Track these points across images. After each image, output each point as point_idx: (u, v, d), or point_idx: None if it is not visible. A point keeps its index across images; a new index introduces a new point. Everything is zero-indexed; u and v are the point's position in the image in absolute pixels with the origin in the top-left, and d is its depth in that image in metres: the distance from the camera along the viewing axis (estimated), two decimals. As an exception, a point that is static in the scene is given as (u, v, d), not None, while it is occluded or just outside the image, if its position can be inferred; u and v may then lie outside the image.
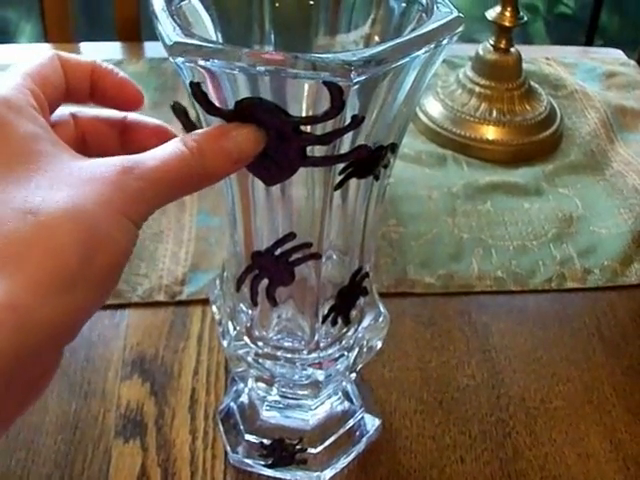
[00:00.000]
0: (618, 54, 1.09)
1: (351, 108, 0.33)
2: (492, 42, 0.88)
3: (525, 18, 0.86)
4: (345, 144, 0.35)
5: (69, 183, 0.29)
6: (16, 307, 0.27)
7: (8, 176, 0.29)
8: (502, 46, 0.87)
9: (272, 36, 0.41)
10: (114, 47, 1.07)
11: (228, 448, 0.54)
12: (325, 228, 0.39)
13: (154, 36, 0.33)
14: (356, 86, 0.31)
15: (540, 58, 1.05)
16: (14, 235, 0.28)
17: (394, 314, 0.63)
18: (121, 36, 1.11)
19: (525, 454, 0.55)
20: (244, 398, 0.54)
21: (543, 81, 0.98)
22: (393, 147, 0.38)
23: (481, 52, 0.88)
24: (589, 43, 1.88)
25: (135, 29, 1.11)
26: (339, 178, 0.36)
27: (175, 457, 0.54)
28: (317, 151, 0.34)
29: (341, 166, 0.35)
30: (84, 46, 1.06)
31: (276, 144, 0.32)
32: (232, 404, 0.55)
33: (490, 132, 0.85)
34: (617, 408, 0.59)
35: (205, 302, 0.65)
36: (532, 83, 0.92)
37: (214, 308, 0.48)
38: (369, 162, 0.36)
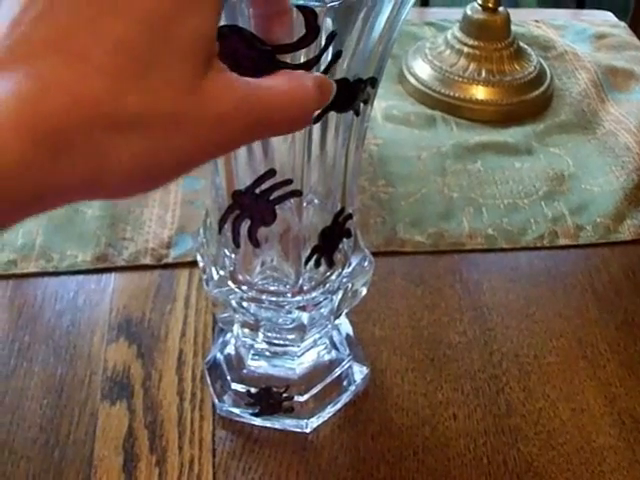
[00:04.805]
0: (608, 16, 1.08)
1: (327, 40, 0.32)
2: (480, 2, 0.86)
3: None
4: None
5: None
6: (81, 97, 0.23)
7: None
8: (490, 5, 0.86)
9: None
10: None
11: (215, 398, 0.53)
12: (305, 167, 0.38)
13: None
14: (330, 11, 0.30)
15: (529, 21, 1.04)
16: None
17: (384, 273, 0.63)
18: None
19: (519, 410, 0.55)
20: (230, 349, 0.54)
21: (533, 43, 0.96)
22: (373, 81, 0.37)
23: (469, 12, 0.87)
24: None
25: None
26: (317, 111, 0.35)
27: (162, 418, 0.53)
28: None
29: None
30: None
31: (253, 74, 0.31)
32: (218, 355, 0.54)
33: (479, 92, 0.84)
34: (611, 363, 0.58)
35: (192, 264, 0.63)
36: (521, 44, 0.90)
37: (198, 256, 0.47)
38: (348, 94, 0.35)
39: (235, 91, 0.27)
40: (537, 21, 1.04)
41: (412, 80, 0.87)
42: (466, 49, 0.86)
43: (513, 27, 0.89)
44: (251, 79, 0.28)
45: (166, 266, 0.64)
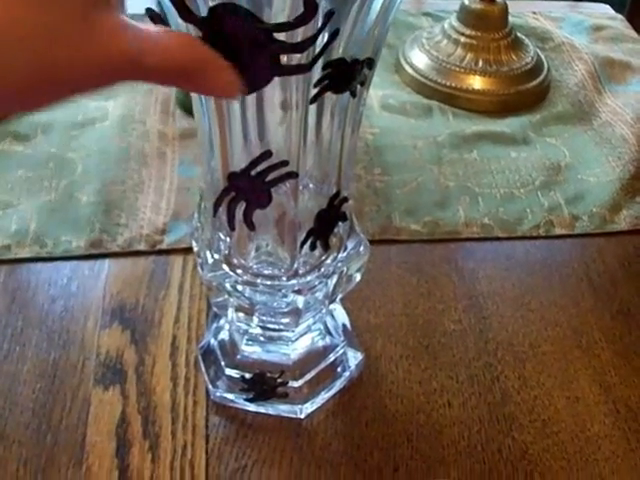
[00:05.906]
0: (605, 8, 1.08)
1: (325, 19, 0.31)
2: (478, -8, 0.86)
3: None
4: (320, 60, 0.34)
5: None
6: None
7: None
8: (488, -5, 0.86)
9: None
10: None
11: (209, 384, 0.53)
12: (301, 150, 0.37)
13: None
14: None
15: (527, 12, 1.04)
16: None
17: (380, 261, 0.63)
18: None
19: (514, 398, 0.55)
20: (224, 335, 0.54)
21: (530, 34, 0.96)
22: (370, 63, 0.36)
23: (467, 2, 0.87)
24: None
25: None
26: (314, 91, 0.35)
27: (156, 404, 0.53)
28: (293, 61, 0.33)
29: (316, 79, 0.34)
30: None
31: (250, 52, 0.30)
32: (212, 340, 0.54)
33: (476, 82, 0.84)
34: (606, 352, 0.58)
35: (186, 251, 0.63)
36: (518, 34, 0.90)
37: (192, 240, 0.47)
38: (345, 75, 0.35)
39: (126, 27, 0.26)
40: (535, 12, 1.04)
41: (409, 70, 0.87)
42: (463, 39, 0.86)
43: (511, 18, 0.89)
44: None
45: (160, 252, 0.64)
